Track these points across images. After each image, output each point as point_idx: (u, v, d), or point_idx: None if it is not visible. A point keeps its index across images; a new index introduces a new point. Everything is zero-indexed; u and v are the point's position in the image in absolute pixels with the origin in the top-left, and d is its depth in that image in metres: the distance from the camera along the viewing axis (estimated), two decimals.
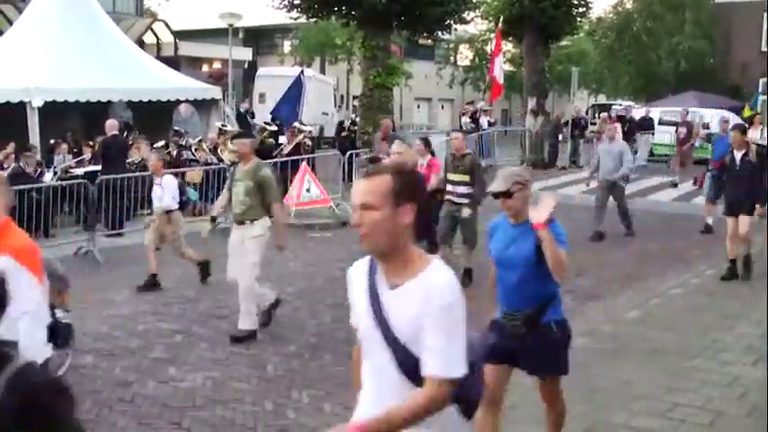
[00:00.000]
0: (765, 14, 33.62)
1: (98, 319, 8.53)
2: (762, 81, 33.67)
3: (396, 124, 24.22)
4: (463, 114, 25.96)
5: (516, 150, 25.42)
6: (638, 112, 28.48)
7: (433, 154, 10.63)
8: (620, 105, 35.17)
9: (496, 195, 4.50)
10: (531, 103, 25.73)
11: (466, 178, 9.79)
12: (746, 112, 24.66)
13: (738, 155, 10.03)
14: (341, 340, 7.86)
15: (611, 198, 13.54)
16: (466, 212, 9.72)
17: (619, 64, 38.26)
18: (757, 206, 9.87)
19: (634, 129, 24.09)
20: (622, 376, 6.55)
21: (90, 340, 7.80)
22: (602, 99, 48.21)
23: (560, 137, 25.39)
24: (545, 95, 27.26)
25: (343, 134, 21.17)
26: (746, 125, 13.94)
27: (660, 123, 26.87)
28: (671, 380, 6.47)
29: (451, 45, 47.59)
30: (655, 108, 28.96)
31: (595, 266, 11.13)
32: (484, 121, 24.89)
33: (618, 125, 16.83)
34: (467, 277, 9.63)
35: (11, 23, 22.93)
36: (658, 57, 35.25)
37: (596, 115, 33.01)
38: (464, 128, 23.98)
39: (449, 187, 9.94)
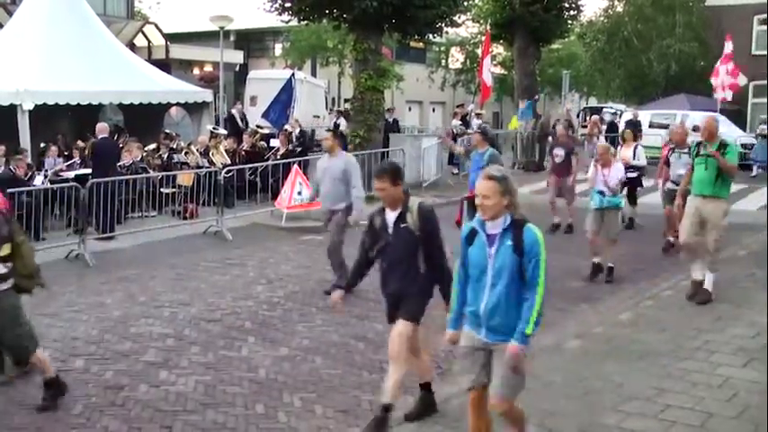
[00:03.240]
0: (755, 18, 33.76)
1: (89, 323, 8.49)
2: (751, 84, 33.88)
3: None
4: (454, 117, 26.00)
5: (508, 153, 25.44)
6: (625, 115, 28.61)
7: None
8: (612, 108, 35.35)
9: None
10: (523, 106, 25.77)
11: (8, 251, 5.93)
12: (513, 124, 23.24)
13: (391, 216, 5.70)
14: (332, 343, 7.86)
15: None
16: None
17: (610, 67, 38.36)
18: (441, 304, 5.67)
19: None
20: (614, 378, 6.57)
21: (81, 344, 7.77)
22: (593, 102, 48.36)
23: (550, 139, 25.39)
24: (536, 99, 27.30)
25: (298, 148, 18.94)
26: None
27: (650, 126, 26.93)
28: (663, 381, 6.48)
29: (443, 48, 47.66)
30: (645, 111, 29.05)
31: (588, 268, 11.14)
32: (476, 123, 24.90)
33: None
34: (51, 399, 6.25)
35: (1, 26, 22.84)
36: (649, 60, 35.34)
37: (587, 118, 33.11)
38: (454, 130, 24.03)
39: None
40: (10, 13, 24.00)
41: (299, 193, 14.78)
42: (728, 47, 23.44)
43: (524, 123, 24.39)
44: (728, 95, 23.30)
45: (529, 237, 4.51)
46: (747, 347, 7.34)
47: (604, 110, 35.20)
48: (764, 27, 33.39)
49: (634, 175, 13.48)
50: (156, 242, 13.16)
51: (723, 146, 8.85)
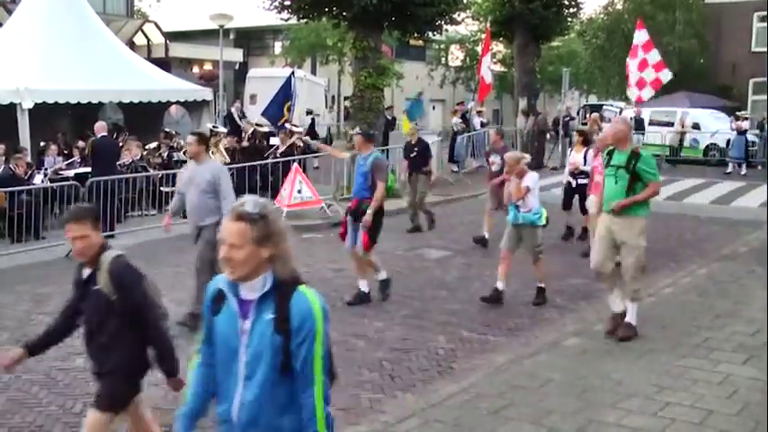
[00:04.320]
0: (755, 15, 33.77)
1: None
2: (751, 81, 33.92)
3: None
4: (454, 114, 26.02)
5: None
6: (628, 112, 28.58)
7: None
8: (612, 105, 35.35)
9: None
10: (522, 103, 25.78)
11: None
12: (405, 126, 19.76)
13: (85, 273, 4.49)
14: (332, 341, 7.83)
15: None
16: None
17: (609, 64, 38.35)
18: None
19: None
20: (614, 375, 6.56)
21: (81, 342, 7.74)
22: (593, 100, 48.29)
23: (548, 136, 25.45)
24: (536, 96, 27.31)
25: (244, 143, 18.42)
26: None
27: (650, 124, 26.95)
28: (662, 378, 6.48)
29: (442, 46, 47.64)
30: (645, 108, 29.05)
31: (587, 266, 11.11)
32: (477, 121, 24.91)
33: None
34: None
35: (0, 25, 22.84)
36: None
37: (587, 116, 33.05)
38: (454, 128, 24.06)
39: None
40: (10, 12, 24.00)
41: (299, 192, 14.79)
42: (642, 36, 19.59)
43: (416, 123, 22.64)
44: (647, 94, 19.33)
45: (299, 306, 2.98)
46: (747, 345, 7.34)
47: (605, 107, 35.20)
48: (764, 24, 33.41)
49: (584, 181, 12.00)
50: (156, 241, 13.13)
51: (635, 156, 7.50)
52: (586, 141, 12.57)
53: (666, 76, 19.35)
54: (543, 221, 9.21)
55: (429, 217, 14.35)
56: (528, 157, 9.63)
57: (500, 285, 9.16)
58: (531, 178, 9.17)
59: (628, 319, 7.67)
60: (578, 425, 5.61)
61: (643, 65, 19.04)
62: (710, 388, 6.29)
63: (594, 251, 7.85)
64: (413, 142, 14.64)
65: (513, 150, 12.34)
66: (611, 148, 7.77)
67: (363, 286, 9.33)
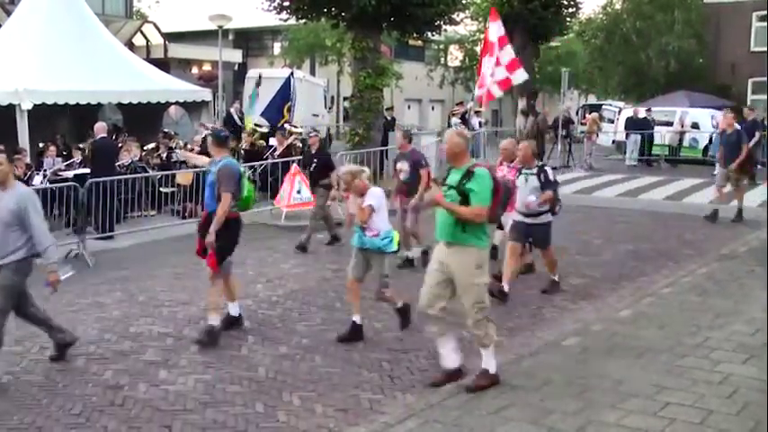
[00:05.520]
0: (753, 15, 33.77)
1: (89, 323, 8.49)
2: (750, 81, 33.93)
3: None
4: (453, 115, 26.00)
5: None
6: (627, 112, 28.65)
7: None
8: (611, 105, 35.38)
9: None
10: (522, 103, 25.77)
11: None
12: (248, 124, 19.13)
13: None
14: (332, 342, 7.85)
15: None
16: None
17: (609, 64, 38.38)
18: None
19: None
20: (614, 375, 6.56)
21: (81, 343, 7.75)
22: (592, 99, 48.32)
23: (547, 137, 25.44)
24: (535, 96, 27.31)
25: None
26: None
27: None
28: (662, 378, 6.47)
29: (441, 46, 47.66)
30: (644, 108, 29.09)
31: (587, 266, 11.15)
32: (475, 121, 24.89)
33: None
34: None
35: None
36: (648, 57, 35.37)
37: (585, 115, 33.11)
38: (454, 129, 24.04)
39: None
40: (8, 13, 23.97)
41: (299, 192, 14.78)
42: (497, 30, 16.91)
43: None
44: (494, 92, 16.83)
45: None
46: (747, 344, 7.33)
47: (604, 107, 35.24)
48: (763, 23, 33.41)
49: None
50: (155, 241, 13.16)
51: (468, 174, 6.19)
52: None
53: (521, 76, 17.07)
54: (394, 247, 7.81)
55: (332, 235, 12.80)
56: (367, 171, 7.98)
57: (357, 319, 7.91)
58: (374, 195, 7.68)
59: (485, 365, 6.37)
60: (578, 425, 5.61)
61: (496, 63, 16.74)
62: (710, 388, 6.28)
63: (423, 288, 6.48)
64: (312, 152, 13.04)
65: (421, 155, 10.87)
66: (449, 165, 6.49)
67: (233, 310, 8.26)
